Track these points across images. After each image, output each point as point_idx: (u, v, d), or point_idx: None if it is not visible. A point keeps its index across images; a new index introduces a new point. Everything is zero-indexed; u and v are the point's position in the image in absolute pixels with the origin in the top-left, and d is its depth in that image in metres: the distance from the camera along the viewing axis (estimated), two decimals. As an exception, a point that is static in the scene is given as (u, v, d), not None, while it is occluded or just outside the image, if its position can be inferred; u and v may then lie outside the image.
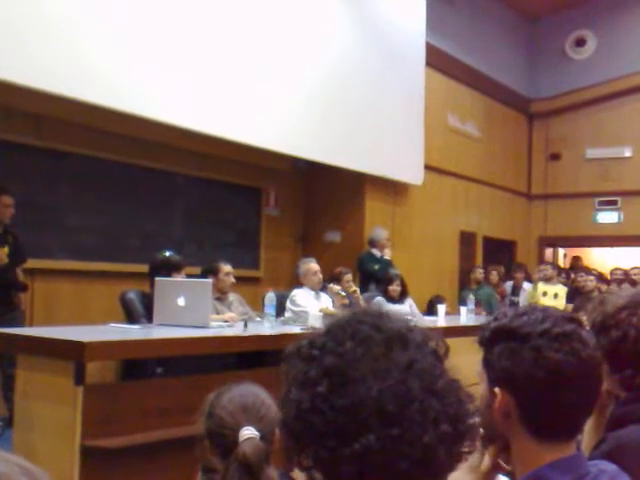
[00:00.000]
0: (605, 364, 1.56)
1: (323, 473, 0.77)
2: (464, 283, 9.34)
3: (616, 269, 9.11)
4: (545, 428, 1.13)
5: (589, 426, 1.57)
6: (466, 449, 0.82)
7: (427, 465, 0.75)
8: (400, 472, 0.74)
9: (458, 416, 0.79)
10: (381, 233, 7.49)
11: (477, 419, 0.85)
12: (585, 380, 1.12)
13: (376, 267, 7.25)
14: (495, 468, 1.19)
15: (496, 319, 1.18)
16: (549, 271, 8.26)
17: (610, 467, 1.21)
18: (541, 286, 8.22)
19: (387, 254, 7.44)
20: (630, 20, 10.68)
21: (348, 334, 0.81)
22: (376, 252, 7.41)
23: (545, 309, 1.18)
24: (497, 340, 1.15)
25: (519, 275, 9.06)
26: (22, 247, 5.08)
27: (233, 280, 5.04)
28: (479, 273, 8.86)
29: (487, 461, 1.18)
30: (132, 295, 4.49)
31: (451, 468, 0.80)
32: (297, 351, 0.84)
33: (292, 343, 0.86)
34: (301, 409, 0.78)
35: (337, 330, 0.83)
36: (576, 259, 11.31)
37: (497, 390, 1.13)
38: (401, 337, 0.81)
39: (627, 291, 1.68)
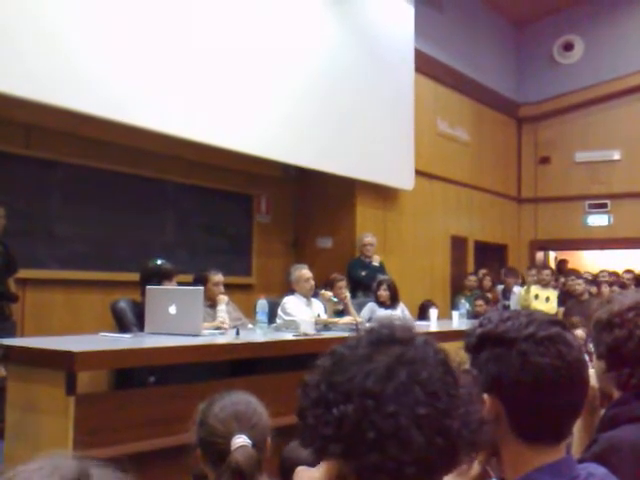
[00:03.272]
0: (602, 362, 1.57)
1: (309, 439, 0.87)
2: (456, 288, 9.37)
3: (603, 271, 9.17)
4: (534, 432, 1.13)
5: (579, 428, 1.58)
6: (462, 452, 0.86)
7: (398, 442, 0.81)
8: (369, 441, 0.81)
9: (449, 412, 0.84)
10: (363, 238, 7.47)
11: (477, 423, 0.87)
12: (572, 383, 1.12)
13: (363, 273, 7.23)
14: (484, 474, 1.19)
15: (481, 325, 1.18)
16: (548, 276, 8.36)
17: (599, 470, 1.22)
18: (534, 289, 8.29)
19: (375, 260, 7.42)
20: (617, 24, 10.76)
21: (366, 332, 0.93)
22: (365, 258, 7.41)
23: (530, 313, 1.18)
24: (483, 346, 1.16)
25: (510, 279, 9.11)
26: (13, 257, 5.06)
27: (222, 290, 5.02)
28: (472, 280, 8.93)
29: (476, 467, 1.18)
30: (123, 304, 4.48)
31: (436, 460, 0.83)
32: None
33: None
34: (306, 385, 0.90)
35: (362, 331, 0.94)
36: (562, 262, 11.37)
37: (485, 396, 1.14)
38: (409, 339, 0.90)
39: (635, 293, 1.70)
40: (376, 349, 0.87)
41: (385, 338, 0.89)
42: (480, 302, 7.91)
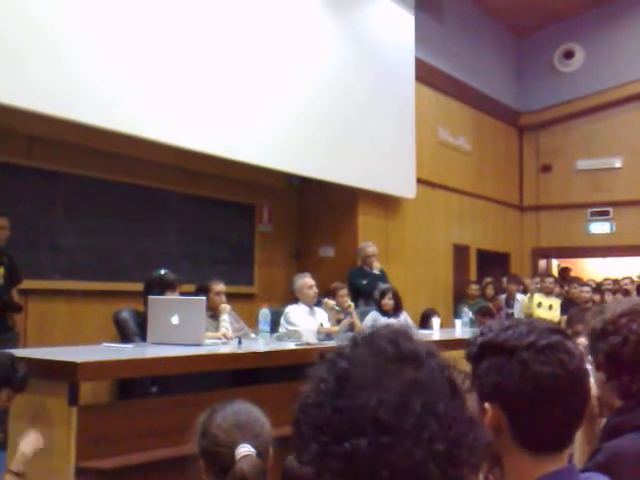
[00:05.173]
0: (601, 371, 1.56)
1: (313, 467, 0.81)
2: (458, 296, 9.35)
3: (605, 280, 9.16)
4: (536, 441, 1.12)
5: (580, 437, 1.57)
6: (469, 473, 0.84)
7: (413, 478, 0.77)
8: (383, 478, 0.77)
9: (459, 441, 0.81)
10: (364, 247, 7.46)
11: (482, 448, 0.86)
12: (573, 391, 1.12)
13: (363, 282, 7.21)
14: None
15: (482, 334, 1.18)
16: (551, 284, 8.35)
17: (601, 479, 1.21)
18: (537, 297, 8.27)
19: (376, 268, 7.40)
20: (617, 31, 10.79)
21: (366, 345, 0.86)
22: (366, 267, 7.39)
23: (530, 322, 1.18)
24: (484, 355, 1.15)
25: (512, 287, 9.09)
26: (17, 268, 5.07)
27: (224, 300, 5.02)
28: (475, 289, 8.92)
29: (479, 477, 1.18)
30: (125, 314, 4.49)
31: None
32: (322, 356, 0.89)
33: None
34: (305, 402, 0.83)
35: (359, 340, 0.88)
36: (564, 270, 11.35)
37: (487, 405, 1.14)
38: (416, 358, 0.84)
39: (626, 300, 1.70)
40: (384, 370, 0.82)
41: (391, 356, 0.83)
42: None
